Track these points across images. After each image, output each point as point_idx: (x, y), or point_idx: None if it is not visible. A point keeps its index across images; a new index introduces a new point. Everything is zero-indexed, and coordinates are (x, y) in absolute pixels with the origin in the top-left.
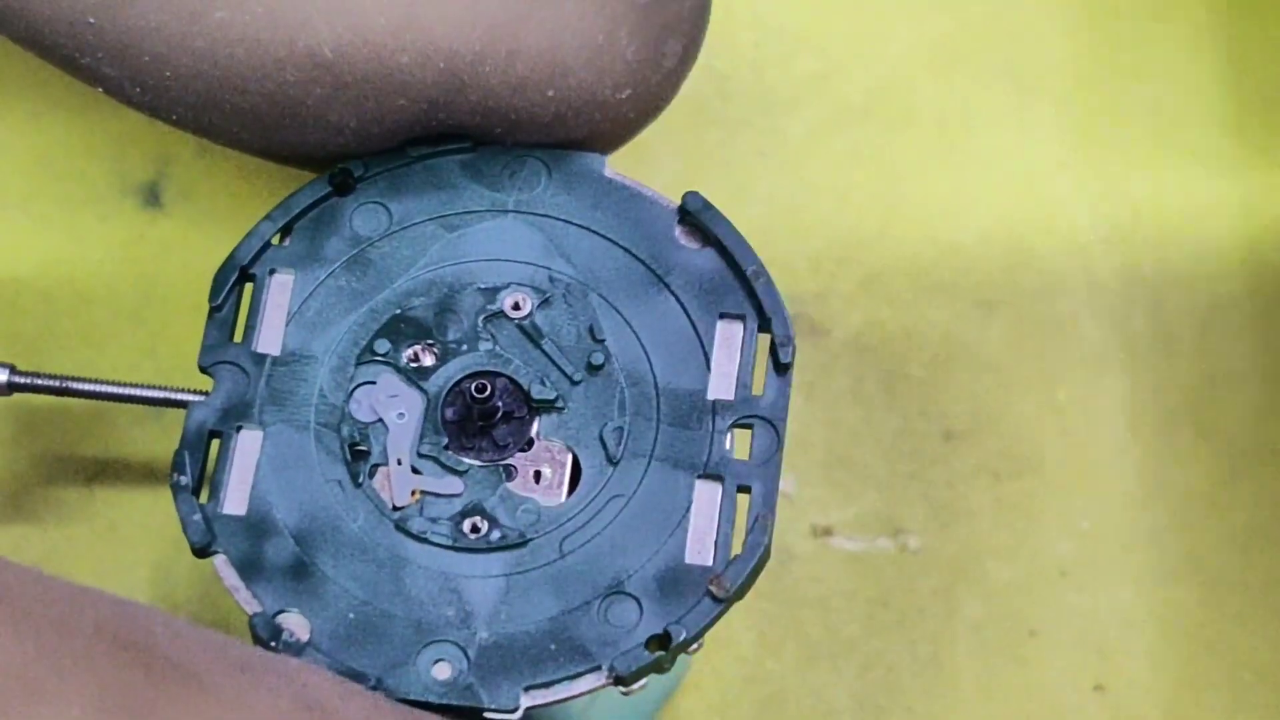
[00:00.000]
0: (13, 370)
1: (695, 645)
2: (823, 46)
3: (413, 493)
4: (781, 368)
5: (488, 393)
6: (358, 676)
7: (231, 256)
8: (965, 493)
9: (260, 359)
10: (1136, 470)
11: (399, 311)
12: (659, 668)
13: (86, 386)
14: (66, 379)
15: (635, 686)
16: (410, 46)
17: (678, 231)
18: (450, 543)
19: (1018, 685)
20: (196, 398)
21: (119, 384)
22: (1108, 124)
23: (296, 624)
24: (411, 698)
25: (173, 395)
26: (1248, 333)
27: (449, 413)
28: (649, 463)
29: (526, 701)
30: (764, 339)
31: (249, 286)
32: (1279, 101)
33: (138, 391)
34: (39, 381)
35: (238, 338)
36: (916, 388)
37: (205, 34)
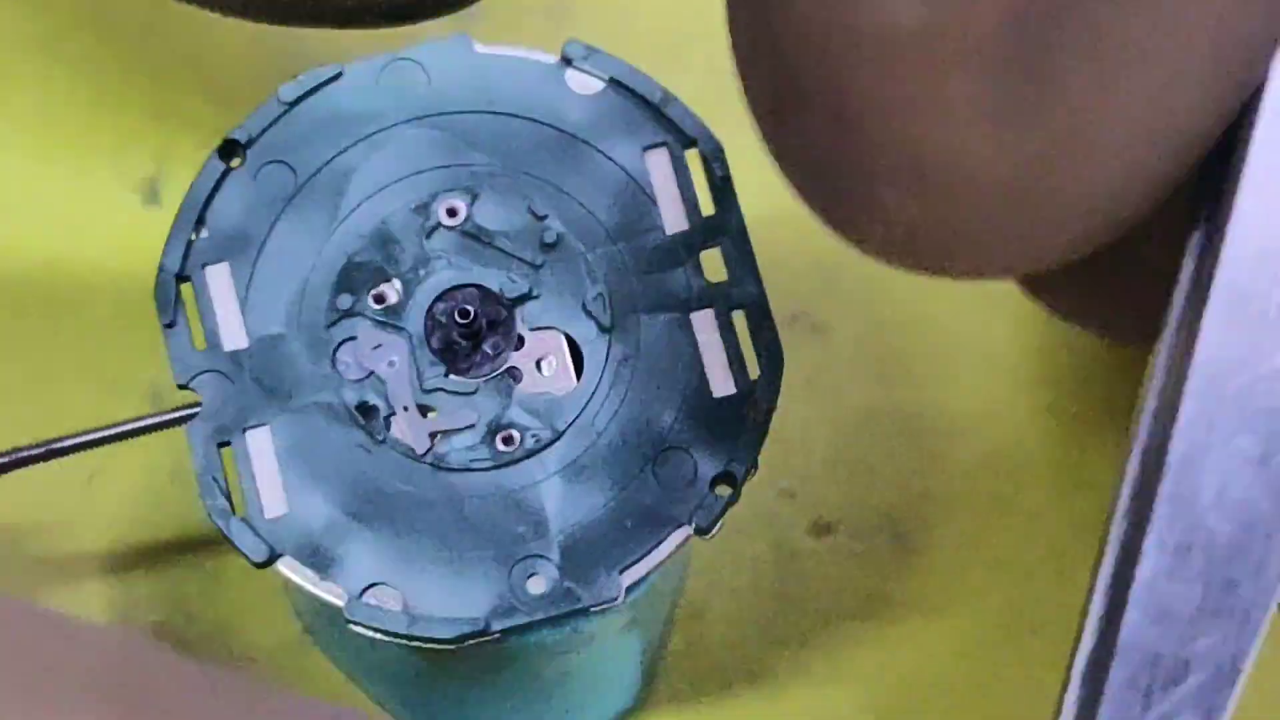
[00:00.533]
0: None
1: (753, 470)
2: None
3: (431, 435)
4: (721, 180)
5: (471, 316)
6: (465, 624)
7: (162, 268)
8: (965, 490)
9: (235, 356)
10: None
11: (345, 260)
12: (732, 504)
13: (72, 442)
14: (50, 443)
15: (716, 530)
16: None
17: (570, 83)
18: (492, 463)
19: (1019, 683)
20: (188, 412)
21: (104, 428)
22: None
23: (387, 597)
24: (520, 623)
25: (162, 419)
26: None
27: (434, 341)
28: (639, 316)
29: (626, 582)
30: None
31: (190, 293)
32: None
33: (126, 427)
34: (22, 455)
35: (200, 345)
36: (917, 384)
37: None
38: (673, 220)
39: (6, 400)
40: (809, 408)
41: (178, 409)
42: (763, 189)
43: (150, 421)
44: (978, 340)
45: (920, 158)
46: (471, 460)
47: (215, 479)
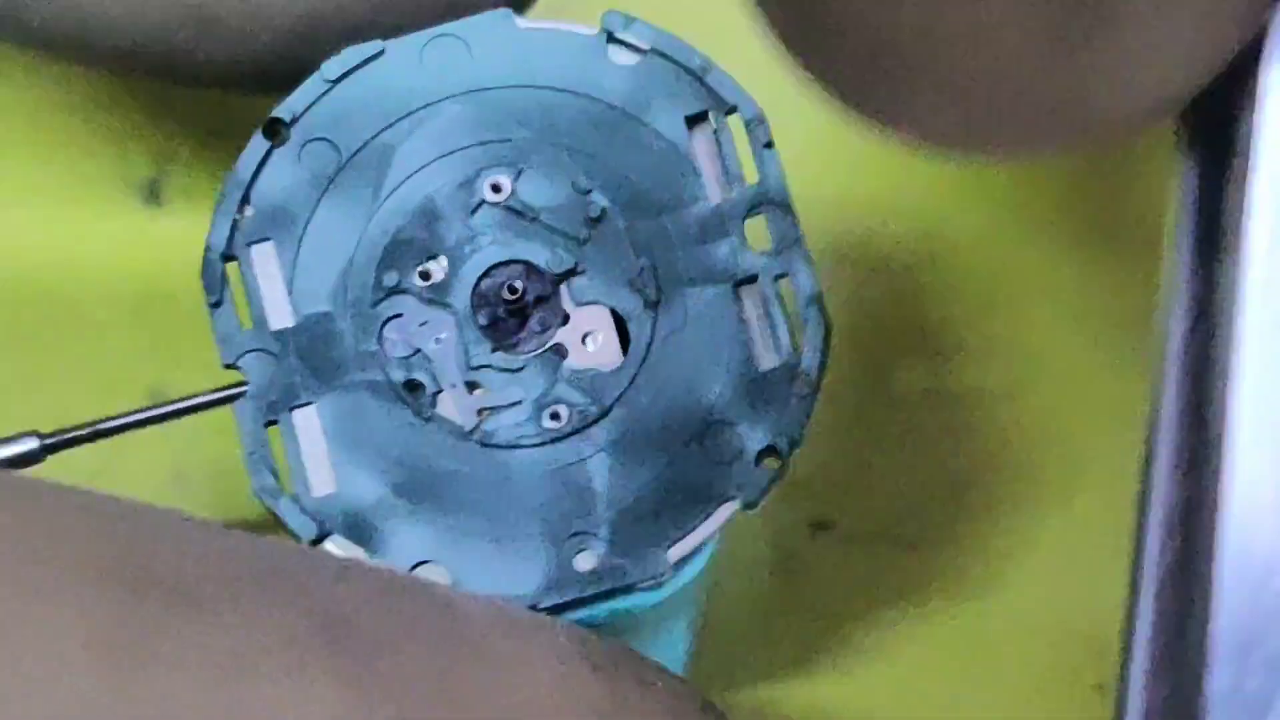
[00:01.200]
0: (41, 436)
1: (799, 447)
2: None
3: (479, 411)
4: (765, 148)
5: (519, 293)
6: (514, 602)
7: (208, 248)
8: (965, 489)
9: (281, 335)
10: (1137, 468)
11: (390, 238)
12: (781, 477)
13: (119, 422)
14: (95, 424)
15: (761, 504)
16: None
17: (611, 55)
18: (540, 439)
19: (1018, 683)
20: (235, 391)
21: (149, 408)
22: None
23: (435, 575)
24: (569, 599)
25: (211, 398)
26: None
27: (481, 318)
28: (684, 289)
29: (673, 557)
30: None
31: (236, 272)
32: None
33: (171, 408)
34: (70, 435)
35: (246, 324)
36: (917, 385)
37: None
38: (716, 190)
39: (6, 399)
40: None
41: (226, 388)
42: None
43: (199, 400)
44: (977, 340)
45: (964, 84)
46: (519, 437)
47: (264, 458)
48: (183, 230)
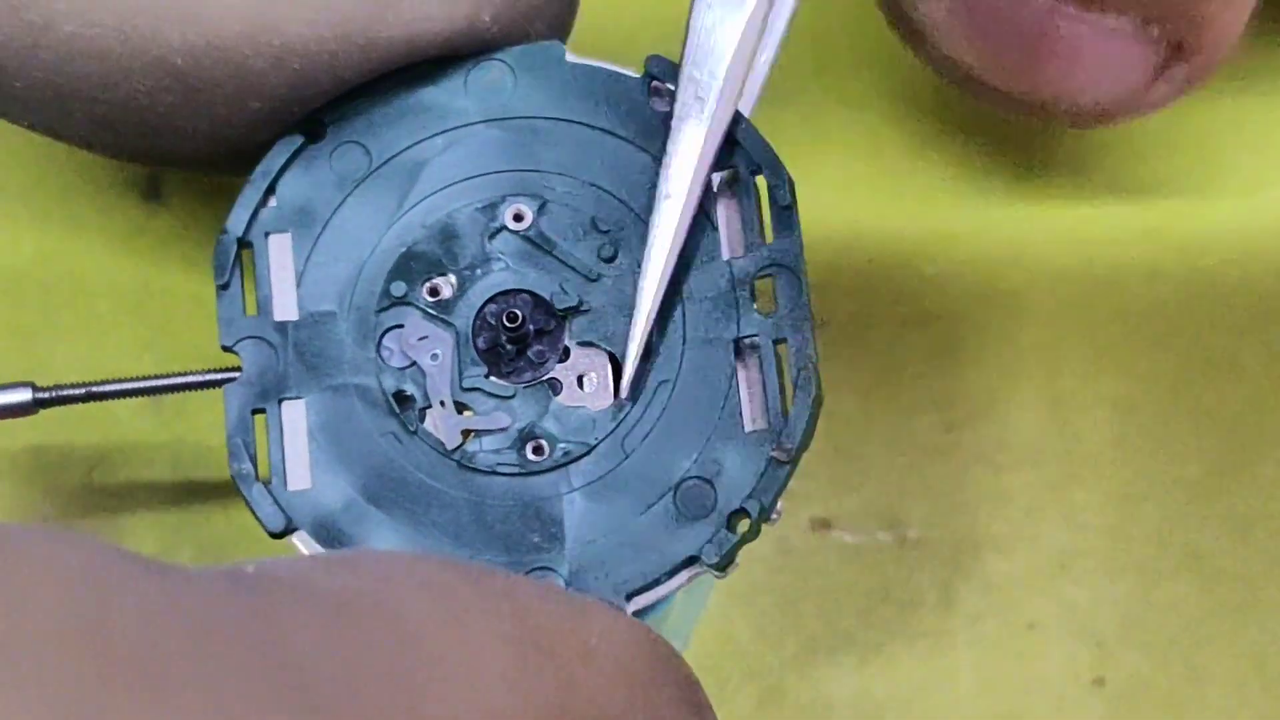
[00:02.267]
0: (35, 388)
1: (775, 515)
2: (821, 34)
3: (463, 432)
4: (783, 210)
5: (519, 321)
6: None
7: (225, 231)
8: (964, 485)
9: (282, 327)
10: (1136, 462)
11: (405, 249)
12: (747, 541)
13: (113, 388)
14: (90, 385)
15: (730, 569)
16: (264, 50)
17: (652, 100)
18: (519, 469)
19: (1016, 678)
20: (228, 375)
21: (144, 378)
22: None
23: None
24: None
25: (200, 379)
26: (1245, 323)
27: (480, 342)
28: (684, 341)
29: (631, 607)
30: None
31: (249, 259)
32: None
33: (165, 382)
34: (64, 393)
35: (251, 310)
36: (915, 379)
37: (53, 47)
38: (731, 246)
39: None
40: None
41: (220, 370)
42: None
43: (193, 379)
44: (975, 334)
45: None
46: (498, 464)
47: (244, 443)
48: (182, 226)
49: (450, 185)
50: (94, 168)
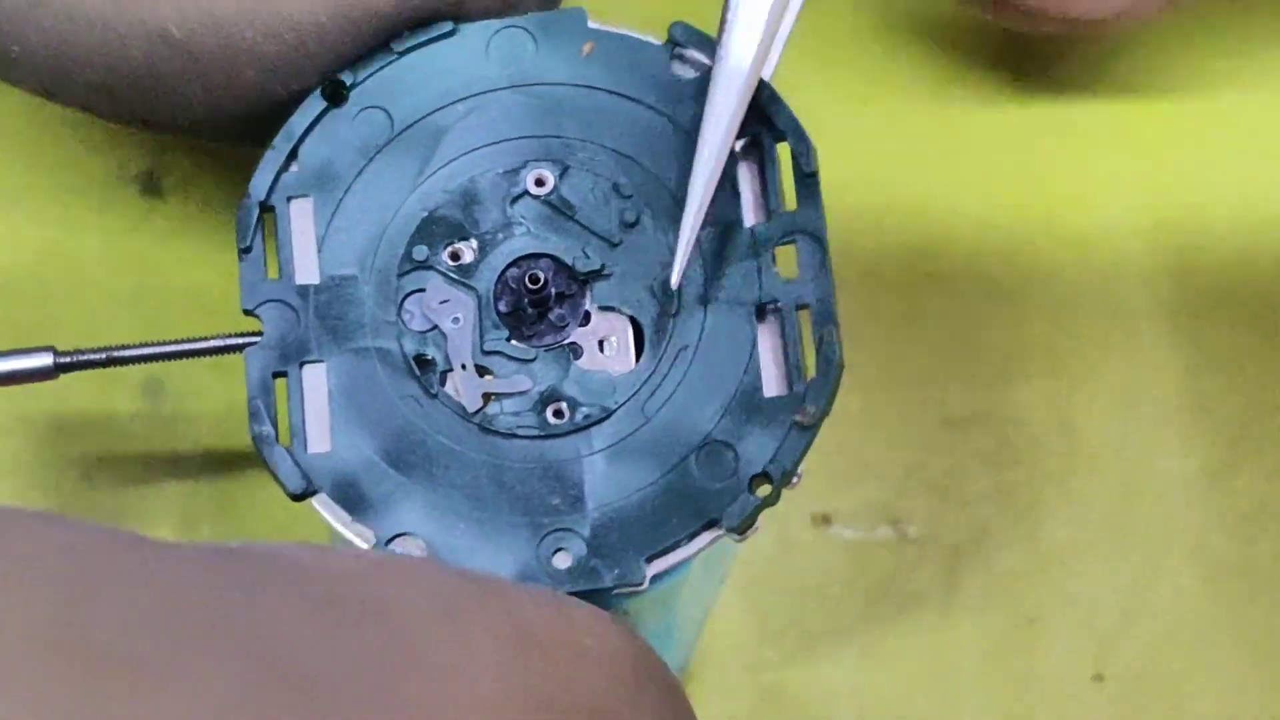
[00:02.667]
0: (56, 352)
1: (796, 479)
2: (821, 32)
3: (484, 395)
4: (807, 177)
5: (541, 284)
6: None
7: (248, 194)
8: (964, 481)
9: (303, 291)
10: (1135, 457)
11: (427, 214)
12: (769, 504)
13: (133, 353)
14: (111, 350)
15: (749, 532)
16: (256, 21)
17: (674, 66)
18: (539, 432)
19: (1017, 674)
20: (249, 340)
21: (164, 343)
22: (1105, 110)
23: (412, 546)
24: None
25: (221, 343)
26: (1245, 318)
27: (502, 305)
28: (705, 306)
29: (651, 570)
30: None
31: (270, 223)
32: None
33: (185, 346)
34: (84, 358)
35: (273, 274)
36: (916, 376)
37: (52, 14)
38: (753, 213)
39: (4, 391)
40: None
41: (240, 334)
42: None
43: (214, 344)
44: (976, 331)
45: None
46: (519, 426)
47: (265, 406)
48: (180, 221)
49: (472, 151)
50: (93, 164)
